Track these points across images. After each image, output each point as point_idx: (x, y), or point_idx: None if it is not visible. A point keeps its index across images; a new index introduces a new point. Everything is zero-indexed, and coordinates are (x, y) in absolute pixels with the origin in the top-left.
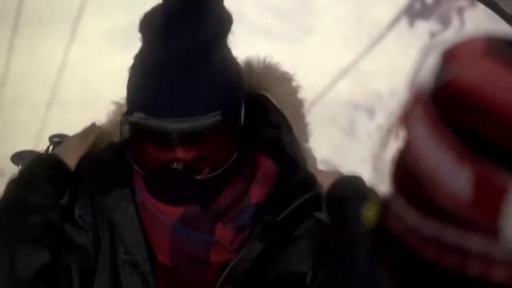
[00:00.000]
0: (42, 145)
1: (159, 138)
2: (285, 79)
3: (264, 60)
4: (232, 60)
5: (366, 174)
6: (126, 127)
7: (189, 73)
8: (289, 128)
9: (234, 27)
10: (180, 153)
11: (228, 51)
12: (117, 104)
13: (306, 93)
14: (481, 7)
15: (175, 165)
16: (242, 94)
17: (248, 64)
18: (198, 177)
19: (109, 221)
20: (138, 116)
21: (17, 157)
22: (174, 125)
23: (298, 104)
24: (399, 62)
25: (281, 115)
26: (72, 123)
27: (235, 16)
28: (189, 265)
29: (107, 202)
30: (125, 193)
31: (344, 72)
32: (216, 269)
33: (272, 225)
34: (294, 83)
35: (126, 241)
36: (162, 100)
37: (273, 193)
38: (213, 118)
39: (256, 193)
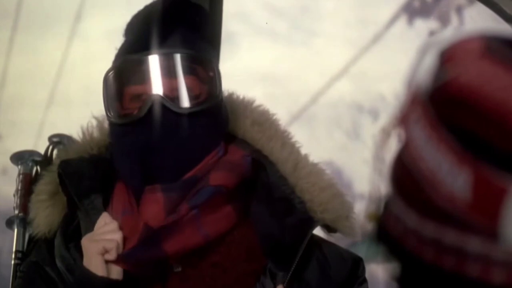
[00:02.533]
0: (43, 144)
1: (138, 73)
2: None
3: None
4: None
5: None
6: (107, 85)
7: (169, 22)
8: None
9: (239, 29)
10: (157, 87)
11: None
12: (97, 118)
13: (310, 95)
14: (480, 6)
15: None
16: (218, 56)
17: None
18: (177, 110)
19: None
20: (120, 60)
21: (16, 157)
22: (152, 54)
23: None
24: (403, 64)
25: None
26: (73, 123)
27: (239, 18)
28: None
29: (84, 206)
30: (100, 201)
31: (347, 74)
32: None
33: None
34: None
35: None
36: (142, 37)
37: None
38: (189, 51)
39: (215, 177)
